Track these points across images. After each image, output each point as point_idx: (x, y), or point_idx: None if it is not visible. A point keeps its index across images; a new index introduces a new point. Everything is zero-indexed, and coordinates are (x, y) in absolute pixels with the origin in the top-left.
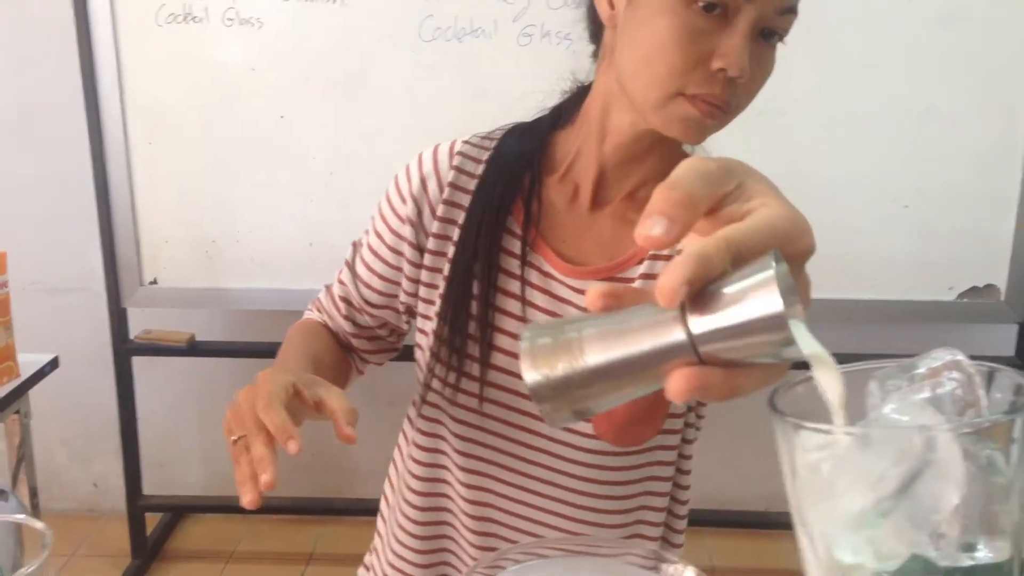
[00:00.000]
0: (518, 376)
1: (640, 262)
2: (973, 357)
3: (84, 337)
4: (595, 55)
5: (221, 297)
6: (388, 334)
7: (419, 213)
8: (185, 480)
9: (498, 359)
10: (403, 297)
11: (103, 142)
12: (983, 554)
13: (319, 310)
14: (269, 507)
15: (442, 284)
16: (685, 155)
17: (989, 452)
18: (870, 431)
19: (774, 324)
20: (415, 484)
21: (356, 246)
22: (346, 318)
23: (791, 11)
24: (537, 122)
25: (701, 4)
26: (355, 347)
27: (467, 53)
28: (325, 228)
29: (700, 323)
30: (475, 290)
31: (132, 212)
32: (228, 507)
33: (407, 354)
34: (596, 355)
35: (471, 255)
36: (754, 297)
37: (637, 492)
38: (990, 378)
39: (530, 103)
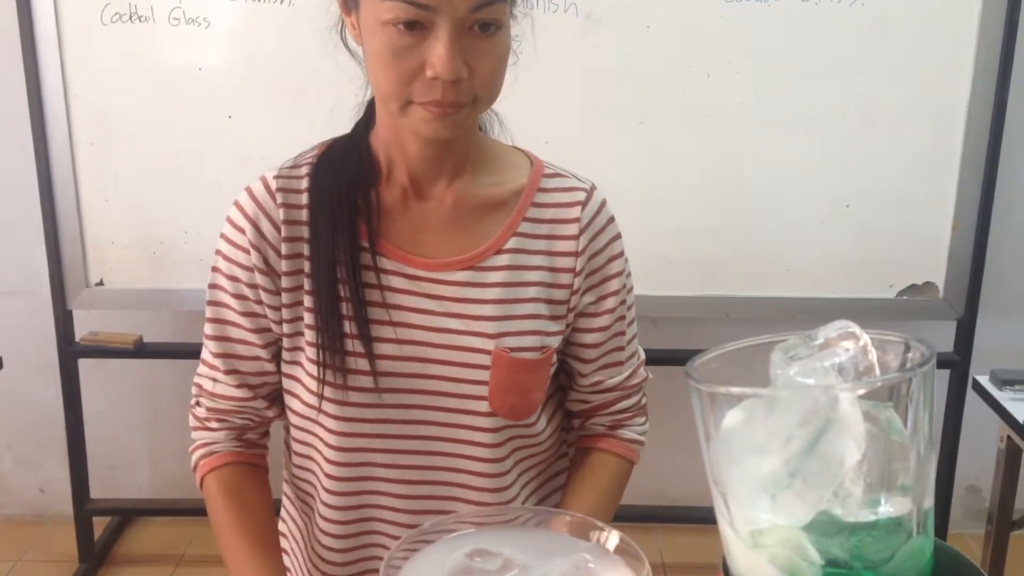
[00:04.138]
0: (408, 386)
1: (497, 252)
2: None
3: (29, 340)
4: None
5: (169, 298)
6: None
7: (265, 260)
8: (133, 484)
9: (383, 366)
10: (280, 341)
11: (47, 142)
12: (885, 509)
13: (219, 420)
14: None
15: (306, 315)
16: (487, 139)
17: (888, 415)
18: (779, 392)
19: None
20: (335, 486)
21: (217, 337)
22: (253, 398)
23: (488, 3)
24: (354, 132)
25: (399, 24)
26: (271, 417)
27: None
28: None
29: None
30: (344, 310)
31: (77, 213)
32: (177, 510)
33: None
34: None
35: (332, 282)
36: None
37: (514, 465)
38: (883, 346)
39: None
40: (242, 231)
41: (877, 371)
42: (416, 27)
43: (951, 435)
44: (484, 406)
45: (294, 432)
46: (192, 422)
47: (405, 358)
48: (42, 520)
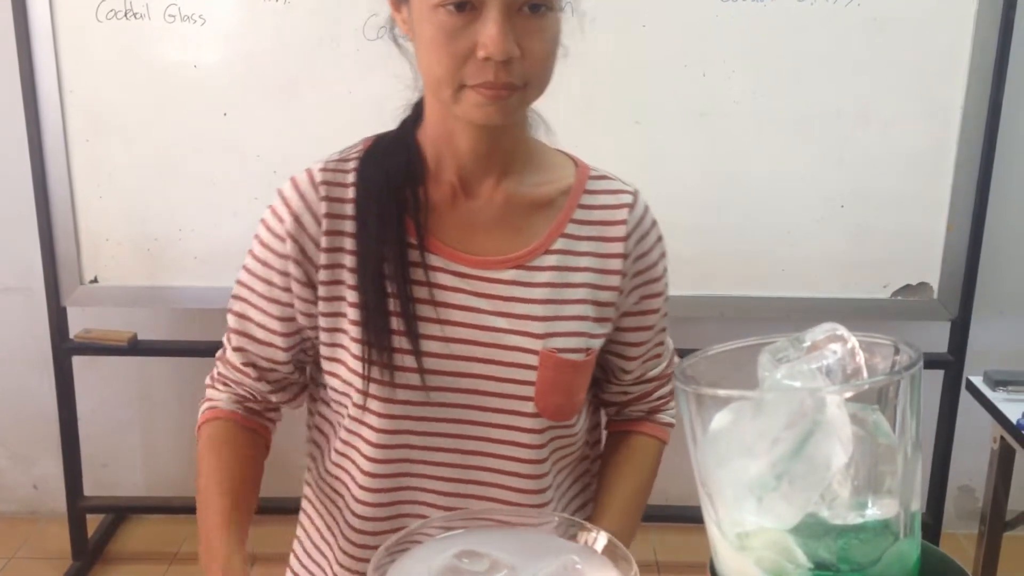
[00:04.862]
0: (454, 385)
1: (546, 252)
2: None
3: (23, 337)
4: None
5: (163, 296)
6: (299, 376)
7: (302, 250)
8: (127, 481)
9: (430, 363)
10: (306, 334)
11: (42, 139)
12: (872, 512)
13: (224, 384)
14: None
15: (348, 311)
16: (533, 139)
17: (875, 417)
18: (765, 395)
19: None
20: (371, 483)
21: (237, 314)
22: (258, 379)
23: None
24: (401, 129)
25: (449, 6)
26: (275, 402)
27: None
28: None
29: None
30: (391, 307)
31: (72, 210)
32: (171, 508)
33: None
34: None
35: (379, 278)
36: None
37: (551, 469)
38: (871, 348)
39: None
40: (281, 220)
41: (864, 374)
42: (466, 8)
43: (945, 435)
44: (530, 407)
45: (338, 430)
46: (207, 380)
47: (452, 356)
48: (36, 517)
